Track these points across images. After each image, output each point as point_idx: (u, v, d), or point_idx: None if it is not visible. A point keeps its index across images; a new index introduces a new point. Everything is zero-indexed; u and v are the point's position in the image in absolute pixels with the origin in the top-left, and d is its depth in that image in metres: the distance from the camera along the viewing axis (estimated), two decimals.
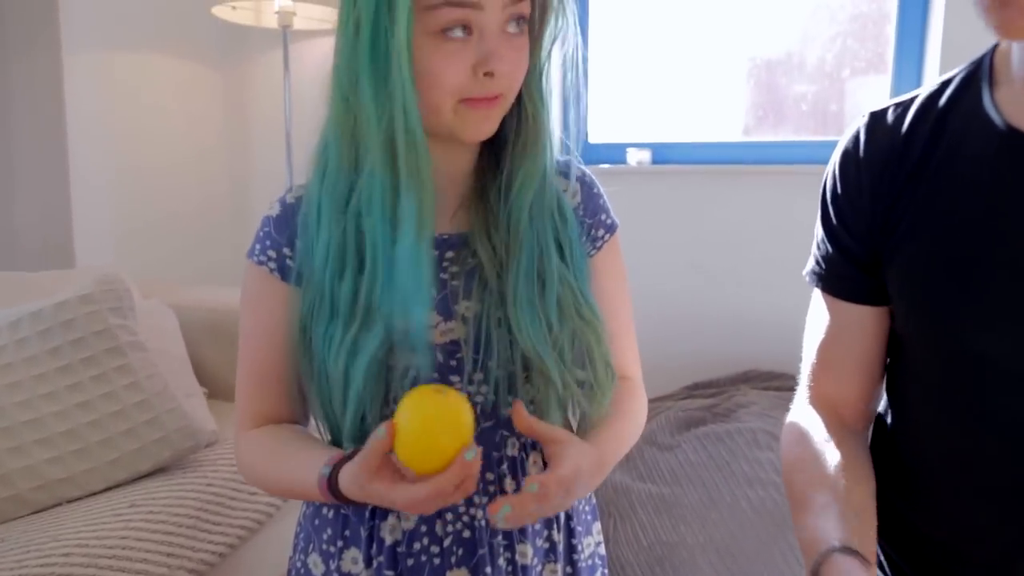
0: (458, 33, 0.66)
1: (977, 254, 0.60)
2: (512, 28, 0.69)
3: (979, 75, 0.64)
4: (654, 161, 2.52)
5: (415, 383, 0.73)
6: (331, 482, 0.68)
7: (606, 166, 2.51)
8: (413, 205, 0.70)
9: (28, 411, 1.33)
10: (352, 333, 0.72)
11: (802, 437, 0.73)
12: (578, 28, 0.76)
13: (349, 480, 0.66)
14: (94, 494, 1.34)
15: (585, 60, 2.24)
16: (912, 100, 0.68)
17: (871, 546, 0.62)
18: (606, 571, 0.93)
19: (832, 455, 0.69)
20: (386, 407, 0.75)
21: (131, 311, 1.48)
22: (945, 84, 0.66)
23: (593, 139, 2.63)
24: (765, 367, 2.26)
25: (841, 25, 2.34)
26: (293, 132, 2.53)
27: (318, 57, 2.75)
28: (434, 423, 0.63)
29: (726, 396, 2.14)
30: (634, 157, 2.50)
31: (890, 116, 0.68)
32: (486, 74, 0.67)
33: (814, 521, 0.64)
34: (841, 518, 0.63)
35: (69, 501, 1.32)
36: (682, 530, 1.68)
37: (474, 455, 0.62)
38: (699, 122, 2.57)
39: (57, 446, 1.32)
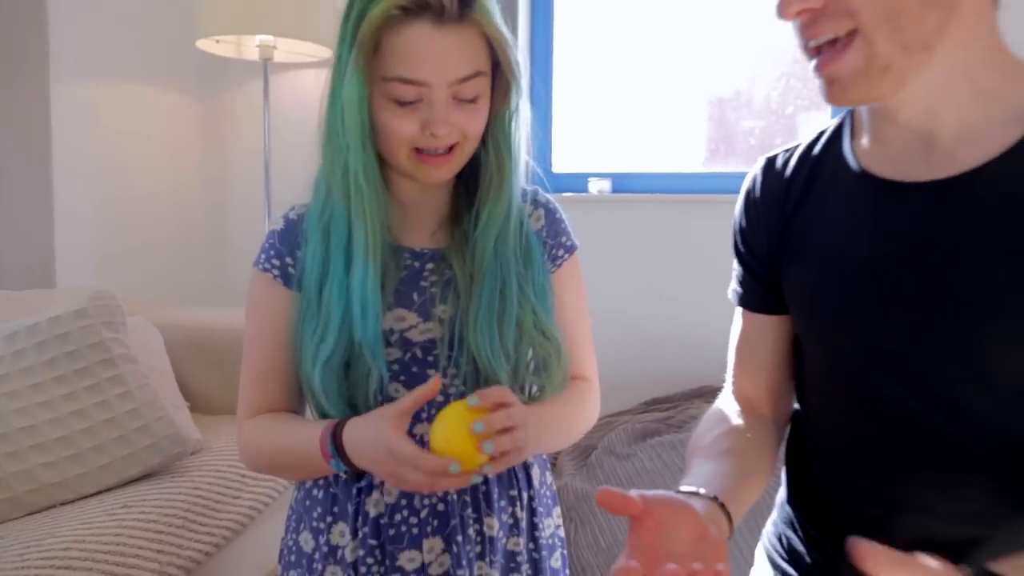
0: (408, 101, 0.82)
1: (851, 271, 0.74)
2: (463, 98, 0.83)
3: (843, 127, 0.79)
4: (614, 190, 2.68)
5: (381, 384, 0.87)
6: (335, 431, 0.80)
7: (569, 194, 2.66)
8: (363, 237, 0.84)
9: (24, 418, 1.41)
10: (320, 331, 0.85)
11: (714, 418, 0.88)
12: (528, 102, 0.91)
13: (362, 424, 0.79)
14: (86, 497, 1.43)
15: (550, 96, 2.40)
16: (796, 148, 0.83)
17: (733, 494, 0.73)
18: (565, 552, 1.05)
19: (730, 434, 0.83)
20: (372, 404, 0.87)
21: (123, 326, 1.57)
22: (820, 135, 0.82)
23: (556, 169, 2.78)
24: (718, 383, 2.38)
25: (785, 66, 2.53)
26: (272, 160, 2.64)
27: (297, 88, 2.87)
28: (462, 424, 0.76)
29: (680, 409, 2.27)
30: (595, 186, 2.66)
31: (779, 162, 0.84)
32: (431, 135, 0.82)
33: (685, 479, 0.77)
34: (707, 474, 0.76)
35: (62, 503, 1.40)
36: None
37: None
38: (660, 154, 2.75)
39: (52, 451, 1.40)
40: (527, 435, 0.78)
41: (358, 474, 0.84)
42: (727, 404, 0.91)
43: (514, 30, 2.58)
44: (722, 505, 0.71)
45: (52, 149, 2.34)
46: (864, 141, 0.76)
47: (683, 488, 0.73)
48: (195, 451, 1.61)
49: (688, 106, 2.71)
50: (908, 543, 0.76)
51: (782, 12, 0.67)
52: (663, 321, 2.57)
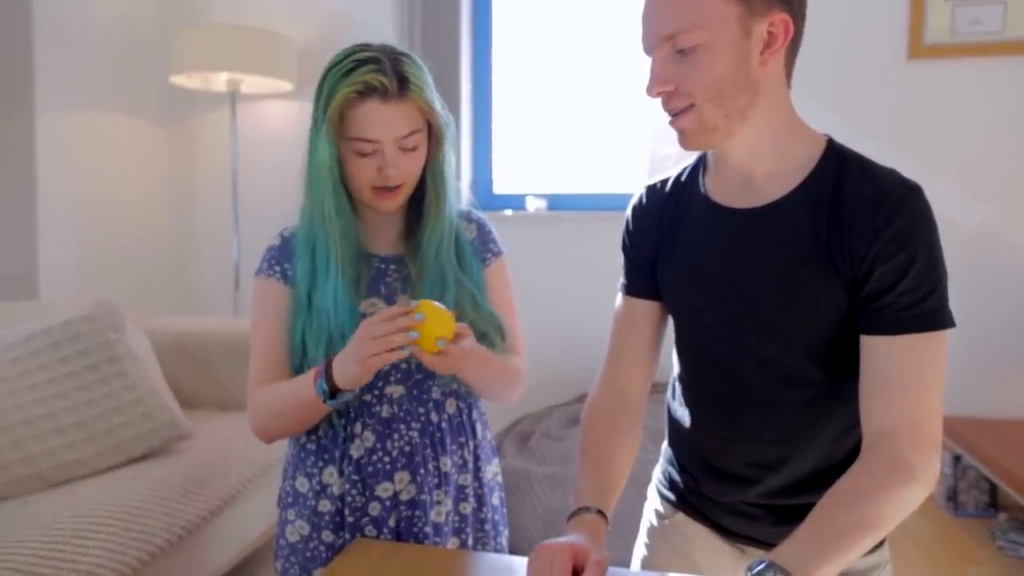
0: (366, 153, 1.12)
1: (700, 269, 1.04)
2: (406, 148, 1.13)
3: (699, 164, 1.10)
4: (549, 208, 3.01)
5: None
6: (327, 366, 1.07)
7: (509, 212, 2.98)
8: (336, 255, 1.14)
9: (44, 406, 1.65)
10: (316, 324, 1.13)
11: (593, 413, 1.13)
12: (457, 149, 1.23)
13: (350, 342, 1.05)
14: (99, 472, 1.67)
15: (490, 127, 2.79)
16: (670, 177, 1.13)
17: (611, 501, 1.01)
18: (503, 495, 1.35)
19: (608, 431, 1.10)
20: None
21: (123, 328, 1.82)
22: (686, 168, 1.11)
23: (497, 190, 3.10)
24: None
25: None
26: (239, 179, 2.89)
27: (262, 116, 3.14)
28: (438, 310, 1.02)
29: None
30: (532, 204, 2.98)
31: (658, 187, 1.13)
32: (385, 176, 1.13)
33: (580, 481, 1.04)
34: (595, 484, 1.03)
35: (80, 478, 1.65)
36: (569, 499, 2.11)
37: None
38: (601, 175, 3.08)
39: (69, 434, 1.65)
40: (473, 347, 1.07)
41: (333, 393, 1.08)
42: (606, 398, 1.15)
43: (457, 68, 2.91)
44: (603, 514, 0.98)
45: (37, 172, 2.57)
46: (711, 176, 1.07)
47: (579, 506, 1.00)
48: (186, 436, 1.86)
49: (626, 133, 3.06)
50: (743, 464, 1.07)
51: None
52: (593, 324, 2.87)
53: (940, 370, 0.90)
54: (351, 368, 1.04)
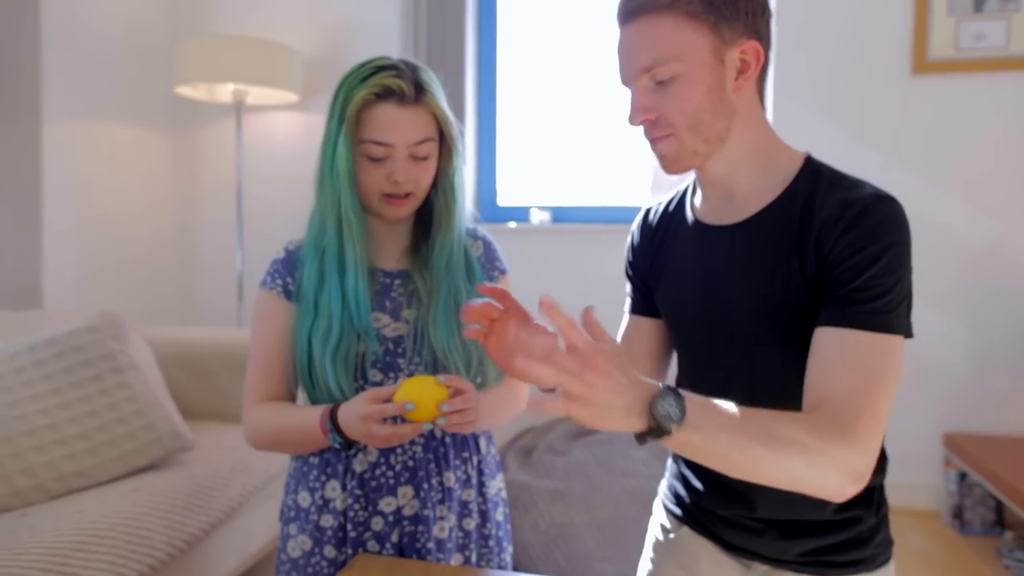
0: (378, 158, 1.13)
1: (686, 286, 1.07)
2: (418, 156, 1.14)
3: (687, 190, 1.13)
4: (553, 220, 3.01)
5: (388, 367, 1.16)
6: (332, 413, 1.08)
7: (513, 224, 2.98)
8: (353, 255, 1.14)
9: (46, 417, 1.65)
10: (324, 325, 1.13)
11: None
12: (464, 162, 1.23)
13: (349, 405, 1.05)
14: (100, 484, 1.67)
15: (494, 141, 2.81)
16: (661, 203, 1.17)
17: None
18: (507, 511, 1.34)
19: None
20: (356, 383, 1.15)
21: (127, 339, 1.82)
22: (676, 194, 1.15)
23: (502, 202, 3.10)
24: None
25: None
26: (243, 189, 2.89)
27: (266, 128, 3.14)
28: (428, 388, 1.03)
29: None
30: (536, 217, 2.98)
31: (652, 212, 1.17)
32: (394, 182, 1.13)
33: None
34: None
35: (80, 490, 1.64)
36: (572, 514, 2.10)
37: (431, 428, 1.04)
38: (604, 188, 3.09)
39: (71, 445, 1.64)
40: (476, 415, 1.08)
41: (348, 443, 1.11)
42: None
43: (462, 80, 2.91)
44: None
45: (42, 182, 2.58)
46: (698, 197, 1.10)
47: None
48: (188, 448, 1.86)
49: (630, 145, 3.06)
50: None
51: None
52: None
53: (888, 372, 0.87)
54: (363, 438, 1.05)
